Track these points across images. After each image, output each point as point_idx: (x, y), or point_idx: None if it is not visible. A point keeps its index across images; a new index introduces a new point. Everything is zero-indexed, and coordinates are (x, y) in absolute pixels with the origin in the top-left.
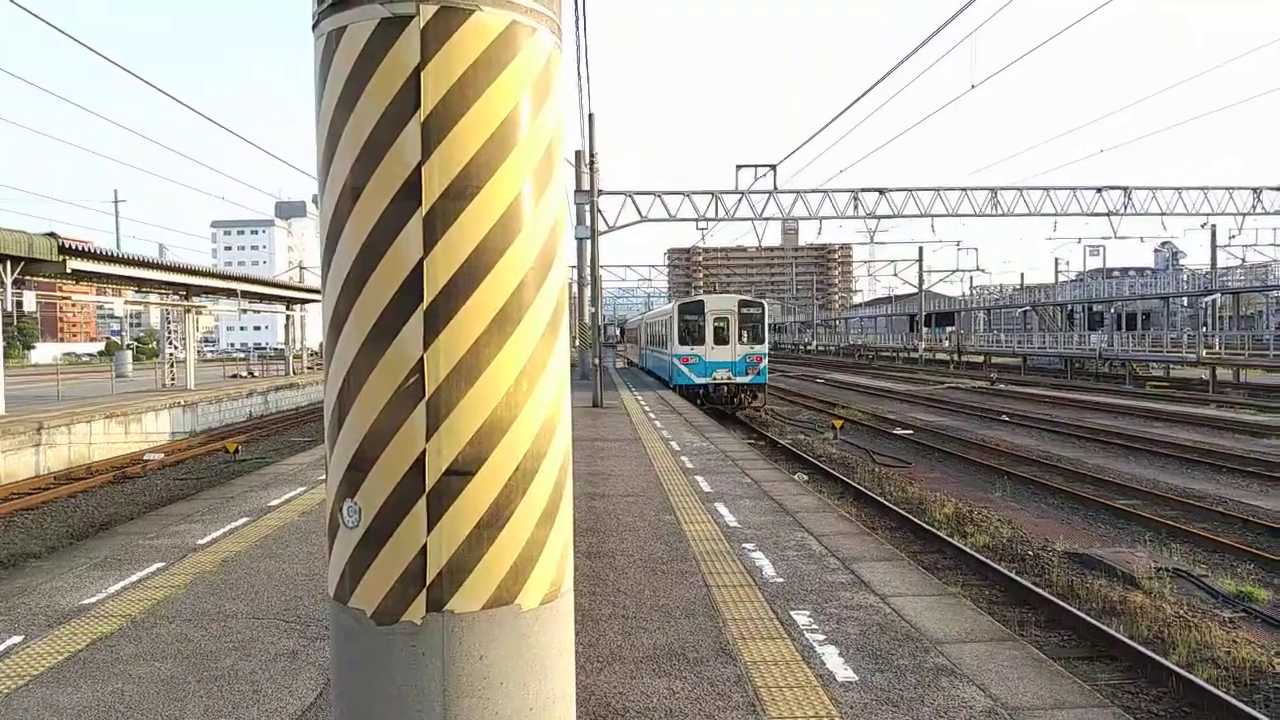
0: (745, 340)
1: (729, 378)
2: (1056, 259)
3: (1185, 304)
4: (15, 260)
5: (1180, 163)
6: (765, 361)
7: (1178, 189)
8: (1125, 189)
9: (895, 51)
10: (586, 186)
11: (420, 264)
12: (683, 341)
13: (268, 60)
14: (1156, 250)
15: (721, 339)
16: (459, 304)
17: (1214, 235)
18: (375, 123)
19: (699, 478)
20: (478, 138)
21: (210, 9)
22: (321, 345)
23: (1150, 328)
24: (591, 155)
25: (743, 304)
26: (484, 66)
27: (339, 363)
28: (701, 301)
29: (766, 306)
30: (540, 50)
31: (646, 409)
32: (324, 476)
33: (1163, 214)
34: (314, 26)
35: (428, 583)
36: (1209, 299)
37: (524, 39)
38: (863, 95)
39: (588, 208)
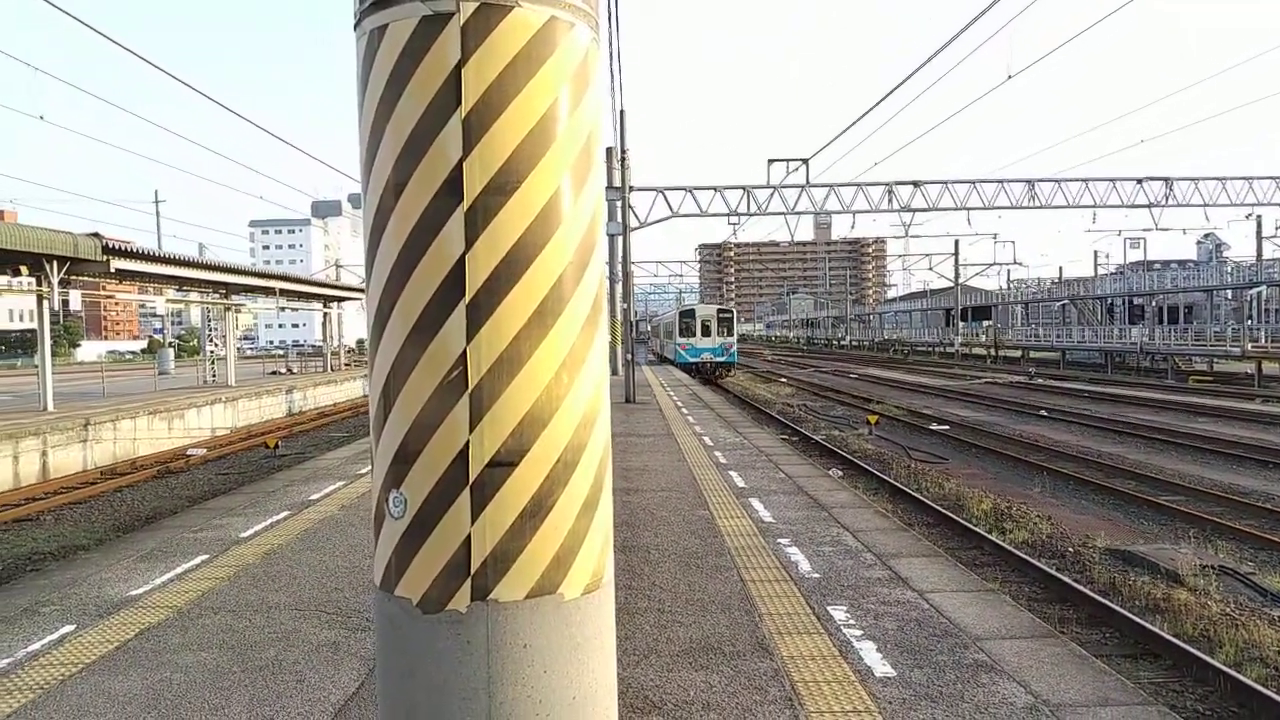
0: (722, 334)
1: (711, 358)
2: (1096, 252)
3: (1229, 297)
4: (61, 260)
5: (1224, 149)
6: (735, 347)
7: (1221, 179)
8: (1167, 180)
9: (931, 42)
10: (618, 183)
11: (462, 259)
12: (682, 335)
13: (304, 61)
14: (1199, 242)
15: (706, 333)
16: (500, 298)
17: (1259, 226)
18: (417, 119)
19: (733, 473)
20: (518, 133)
21: (247, 11)
22: (358, 342)
23: (1193, 321)
24: (623, 151)
25: (720, 310)
26: (523, 62)
27: (383, 357)
28: (694, 309)
29: (735, 311)
30: (578, 45)
31: (679, 404)
32: (363, 471)
33: (1205, 205)
34: (356, 25)
35: (472, 572)
36: (1254, 291)
37: (562, 34)
38: (897, 87)
39: (619, 204)
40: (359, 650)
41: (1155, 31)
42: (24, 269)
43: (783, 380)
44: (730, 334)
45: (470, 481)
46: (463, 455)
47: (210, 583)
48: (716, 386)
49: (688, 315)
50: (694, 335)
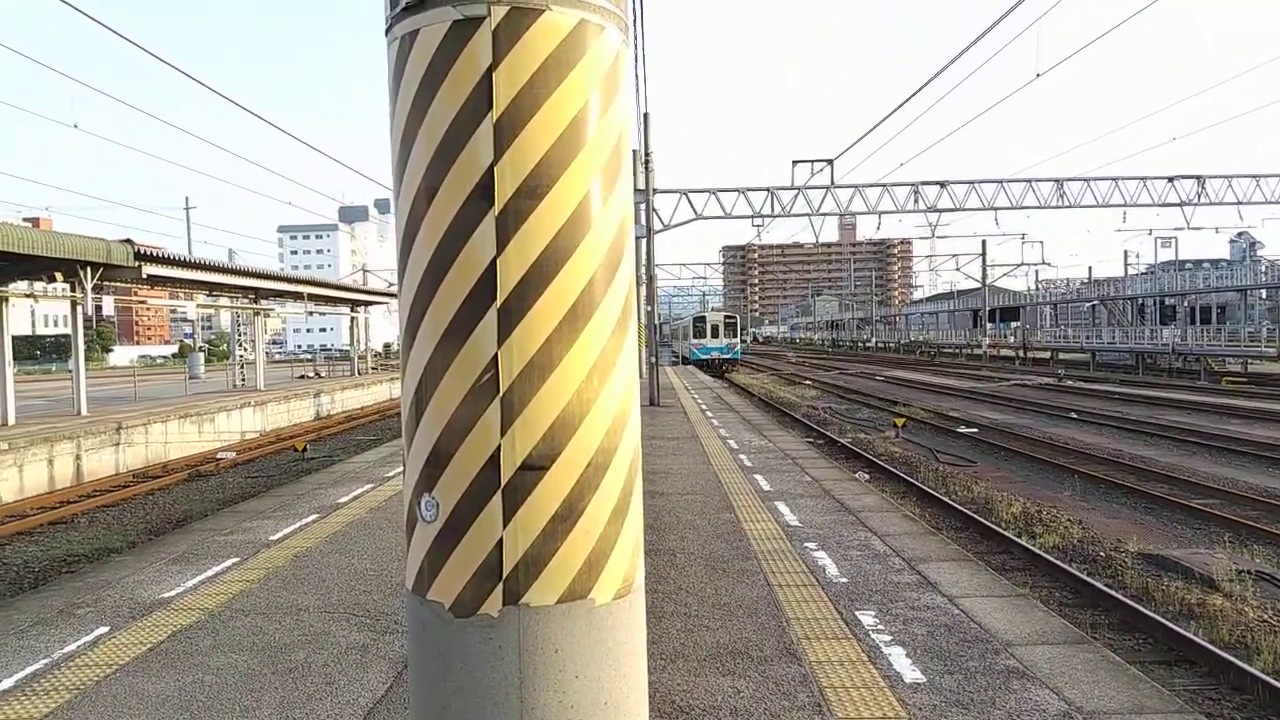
0: (728, 336)
1: (719, 355)
2: (1126, 251)
3: (1264, 296)
4: (95, 266)
5: (1259, 145)
6: (738, 346)
7: (1255, 176)
8: (1199, 178)
9: (958, 41)
10: (641, 186)
11: (494, 263)
12: (695, 336)
13: (332, 66)
14: (1232, 240)
15: (715, 334)
16: (531, 302)
17: None
18: (449, 124)
19: (758, 476)
20: (549, 137)
21: (277, 17)
22: (385, 346)
23: (1226, 321)
24: (647, 154)
25: (726, 317)
26: (554, 66)
27: (415, 361)
28: (705, 316)
29: (739, 317)
30: (608, 48)
31: (703, 407)
32: (390, 475)
33: (1239, 203)
34: (387, 31)
35: (504, 576)
36: None
37: (593, 38)
38: (923, 86)
39: (643, 207)
40: (388, 653)
41: (1186, 28)
42: (59, 275)
43: (807, 383)
44: (734, 335)
45: (502, 485)
46: (494, 459)
47: (241, 585)
48: (740, 389)
49: (700, 321)
50: (705, 337)
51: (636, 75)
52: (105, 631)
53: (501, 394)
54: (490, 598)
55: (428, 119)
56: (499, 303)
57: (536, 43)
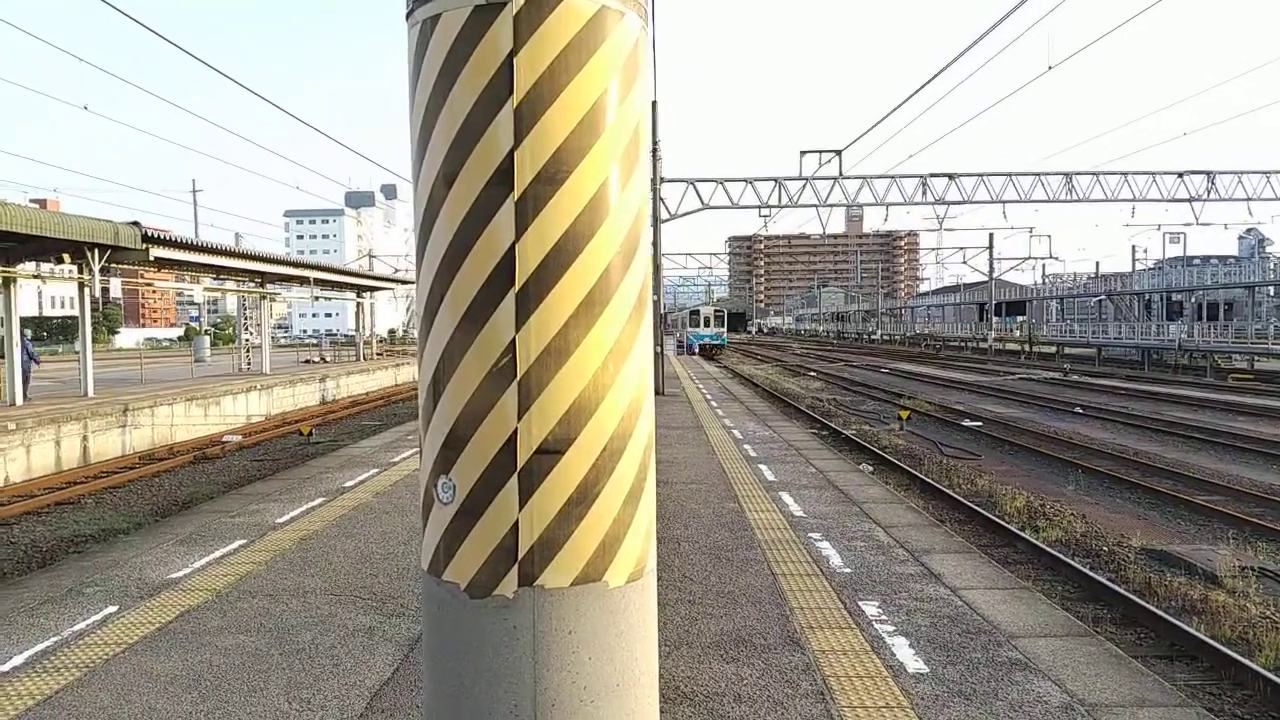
0: (717, 326)
1: (709, 341)
2: (1134, 246)
3: (1271, 293)
4: (102, 248)
5: (1270, 141)
6: (725, 334)
7: (1265, 173)
8: (1208, 173)
9: (970, 32)
10: (650, 174)
11: (512, 248)
12: (691, 326)
13: (339, 50)
14: (1241, 237)
15: (706, 324)
16: (549, 287)
17: None
18: (469, 109)
19: (763, 466)
20: (568, 123)
21: (285, 2)
22: (390, 331)
23: (1233, 318)
24: (655, 143)
25: (715, 310)
26: (575, 51)
27: (434, 345)
28: (699, 309)
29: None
30: (628, 34)
31: (708, 397)
32: (396, 459)
33: (1249, 199)
34: (408, 15)
35: (519, 558)
36: None
37: (613, 23)
38: (934, 78)
39: (651, 196)
40: (394, 635)
41: (1200, 22)
42: (66, 257)
43: (812, 374)
44: (722, 326)
45: (518, 468)
46: (511, 442)
47: (248, 567)
48: (745, 380)
49: (695, 313)
50: (699, 326)
51: (647, 62)
52: (114, 611)
53: (519, 378)
54: (506, 579)
55: (448, 104)
56: (517, 288)
57: (557, 28)
